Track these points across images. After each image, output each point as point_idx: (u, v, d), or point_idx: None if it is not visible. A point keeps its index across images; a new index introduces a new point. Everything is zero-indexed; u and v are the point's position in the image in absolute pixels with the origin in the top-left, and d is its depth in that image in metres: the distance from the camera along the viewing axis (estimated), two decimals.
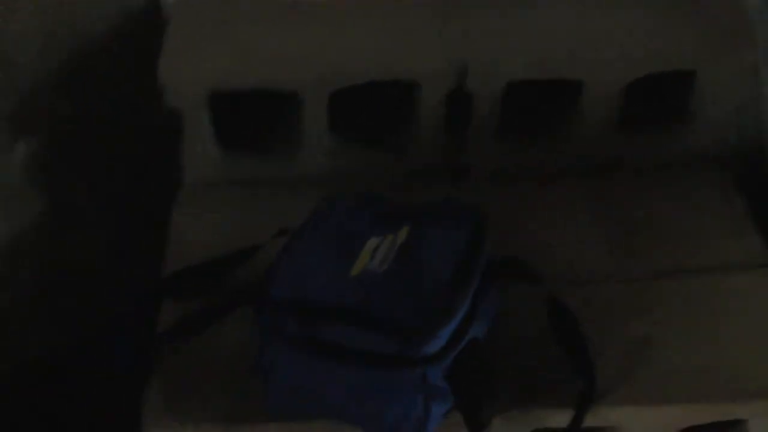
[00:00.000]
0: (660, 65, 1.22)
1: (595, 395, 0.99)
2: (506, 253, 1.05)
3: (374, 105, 1.31)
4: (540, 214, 1.23)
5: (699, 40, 1.23)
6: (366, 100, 1.30)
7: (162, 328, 1.10)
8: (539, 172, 1.29)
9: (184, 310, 1.11)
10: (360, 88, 1.22)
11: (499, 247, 1.04)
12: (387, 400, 0.94)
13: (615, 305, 1.12)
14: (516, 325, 1.07)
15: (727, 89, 1.25)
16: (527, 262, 1.04)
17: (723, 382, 1.03)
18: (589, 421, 0.98)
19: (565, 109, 1.29)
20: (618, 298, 1.13)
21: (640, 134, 1.31)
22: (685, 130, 1.30)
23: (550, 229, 1.21)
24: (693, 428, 1.05)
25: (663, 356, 1.06)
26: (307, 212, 1.07)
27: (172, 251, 1.20)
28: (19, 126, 1.27)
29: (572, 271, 1.16)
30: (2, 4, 1.20)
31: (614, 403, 1.01)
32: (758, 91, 1.27)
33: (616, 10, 1.26)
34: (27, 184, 1.32)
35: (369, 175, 1.27)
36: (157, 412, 1.02)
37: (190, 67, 1.20)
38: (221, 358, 1.07)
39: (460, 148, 1.28)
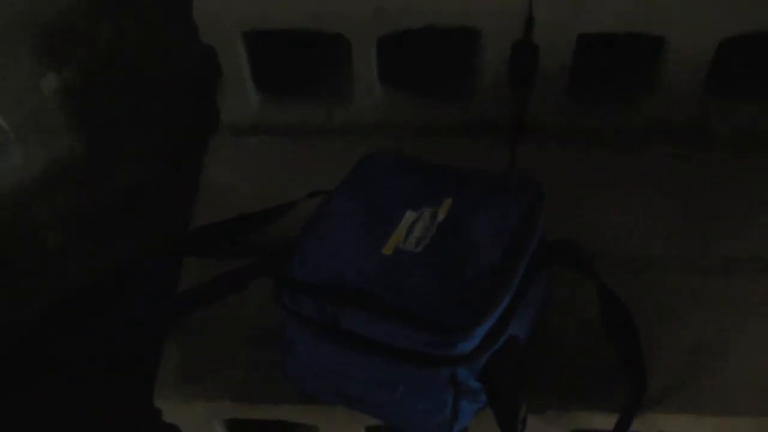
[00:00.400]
0: (755, 24, 1.06)
1: (644, 399, 0.89)
2: (563, 228, 0.94)
3: (431, 53, 1.19)
4: (608, 183, 1.11)
5: None
6: (423, 46, 1.18)
7: (183, 286, 1.03)
8: (612, 136, 1.16)
9: (208, 266, 1.04)
10: (416, 33, 1.09)
11: (556, 219, 0.93)
12: (413, 395, 0.84)
13: (683, 298, 1.00)
14: (563, 316, 0.96)
15: None
16: (581, 247, 0.92)
17: None
18: (638, 427, 0.89)
19: (646, 67, 1.14)
20: (687, 290, 1.01)
21: (731, 100, 1.16)
22: None
23: (617, 201, 1.09)
24: None
25: (731, 363, 0.94)
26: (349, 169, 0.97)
27: (202, 198, 1.13)
28: (49, 55, 1.18)
29: (637, 254, 1.04)
30: None
31: (667, 409, 0.91)
32: None
33: None
34: (58, 116, 1.24)
35: (422, 129, 1.16)
36: (170, 385, 0.96)
37: (223, 2, 1.08)
38: (240, 327, 0.99)
39: (524, 104, 1.16)
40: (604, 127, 1.16)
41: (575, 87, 1.14)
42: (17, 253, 1.24)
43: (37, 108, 1.20)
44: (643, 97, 1.15)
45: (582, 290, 0.92)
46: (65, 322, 1.28)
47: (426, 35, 1.09)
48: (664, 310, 0.98)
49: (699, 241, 1.05)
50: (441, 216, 0.89)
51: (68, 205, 1.28)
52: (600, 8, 1.05)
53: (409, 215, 0.90)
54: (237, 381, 0.95)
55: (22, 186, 1.22)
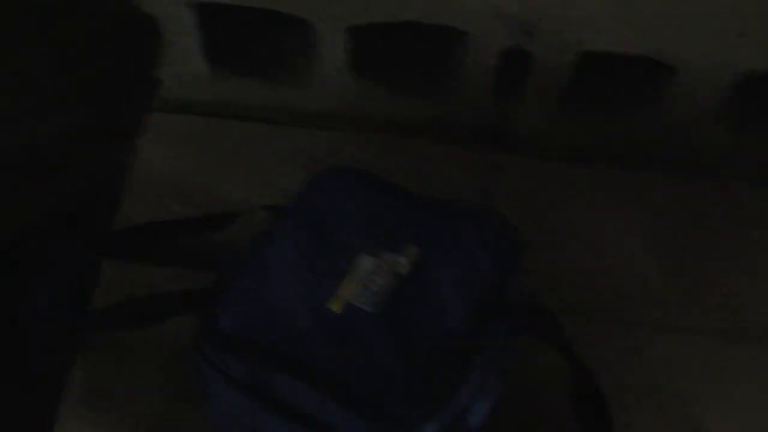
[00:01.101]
0: None
1: None
2: (540, 268, 0.82)
3: (412, 46, 1.04)
4: (593, 214, 0.98)
5: None
6: (403, 38, 1.02)
7: (100, 295, 0.89)
8: (604, 156, 1.02)
9: (130, 272, 0.91)
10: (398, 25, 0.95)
11: (533, 255, 0.80)
12: None
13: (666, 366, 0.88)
14: (526, 394, 0.84)
15: None
16: (556, 317, 0.81)
17: None
18: None
19: (654, 86, 1.01)
20: (673, 355, 0.88)
21: (751, 133, 1.02)
22: None
23: (604, 237, 0.96)
24: None
25: None
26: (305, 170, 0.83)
27: (133, 183, 0.98)
28: None
29: (626, 307, 0.92)
30: None
31: None
32: None
33: None
34: None
35: (392, 126, 1.02)
36: (73, 416, 0.83)
37: None
38: (162, 347, 0.87)
39: (509, 114, 1.02)
40: (598, 148, 1.03)
41: (572, 99, 1.00)
42: None
43: None
44: (643, 118, 1.02)
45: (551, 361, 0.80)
46: None
47: (409, 26, 0.94)
48: (644, 381, 0.87)
49: (688, 291, 0.93)
50: (405, 268, 0.76)
51: None
52: (608, 27, 0.91)
53: (367, 262, 0.76)
54: (153, 414, 0.83)
55: None
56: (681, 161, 1.01)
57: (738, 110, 0.99)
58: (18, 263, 1.05)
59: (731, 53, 0.92)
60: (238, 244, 0.80)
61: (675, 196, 1.00)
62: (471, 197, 0.94)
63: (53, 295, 0.91)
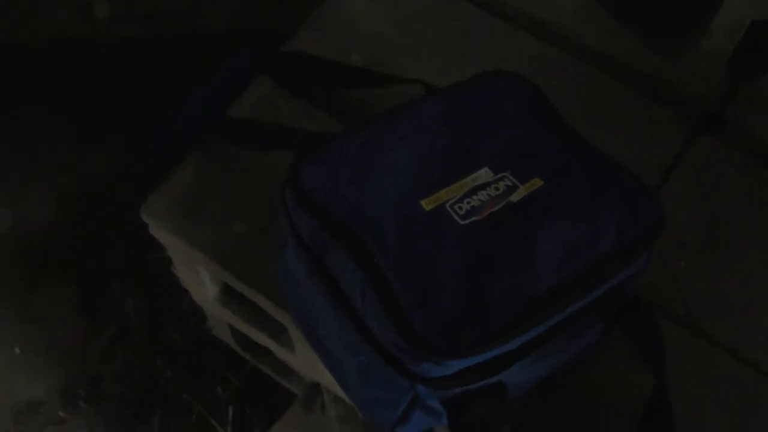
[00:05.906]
0: None
1: None
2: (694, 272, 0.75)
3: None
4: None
5: None
6: None
7: (242, 103, 0.88)
8: None
9: (277, 96, 0.89)
10: None
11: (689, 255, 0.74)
12: (371, 376, 0.67)
13: None
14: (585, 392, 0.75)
15: None
16: (659, 327, 0.70)
17: None
18: None
19: None
20: None
21: None
22: None
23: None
24: None
25: None
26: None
27: (325, 17, 0.95)
28: None
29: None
30: None
31: None
32: None
33: None
34: None
35: (601, 60, 0.91)
36: (161, 206, 0.84)
37: None
38: (265, 189, 0.83)
39: (733, 98, 0.88)
40: None
41: None
42: None
43: None
44: None
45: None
46: None
47: None
48: None
49: None
50: (517, 196, 0.68)
51: None
52: None
53: (483, 174, 0.68)
54: (228, 243, 0.81)
55: None
56: None
57: None
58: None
59: None
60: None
61: None
62: (643, 165, 0.81)
63: (207, 98, 0.91)
